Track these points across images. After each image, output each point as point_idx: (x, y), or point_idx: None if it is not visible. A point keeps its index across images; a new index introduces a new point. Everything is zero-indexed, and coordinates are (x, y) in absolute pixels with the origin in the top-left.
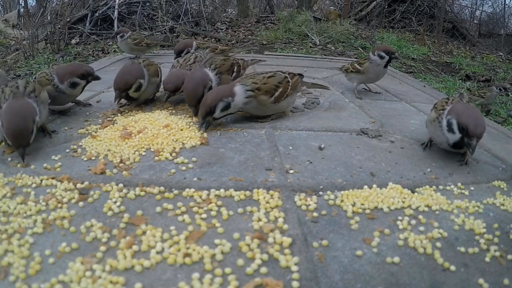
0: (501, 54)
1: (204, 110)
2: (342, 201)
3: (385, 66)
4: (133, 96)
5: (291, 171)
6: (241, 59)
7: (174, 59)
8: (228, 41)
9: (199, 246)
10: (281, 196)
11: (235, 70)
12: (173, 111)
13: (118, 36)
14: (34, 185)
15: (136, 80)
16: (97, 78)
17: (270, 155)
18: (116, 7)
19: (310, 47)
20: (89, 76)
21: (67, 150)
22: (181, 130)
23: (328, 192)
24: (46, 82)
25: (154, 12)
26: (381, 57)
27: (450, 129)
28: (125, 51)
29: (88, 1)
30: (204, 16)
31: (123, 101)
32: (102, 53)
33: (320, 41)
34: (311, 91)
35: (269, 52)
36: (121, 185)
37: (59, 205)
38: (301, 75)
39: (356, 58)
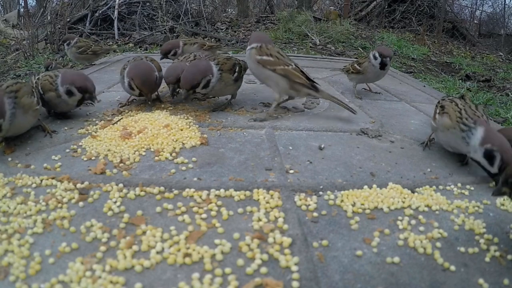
0: (501, 54)
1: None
2: (342, 201)
3: (381, 68)
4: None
5: (291, 171)
6: (243, 60)
7: (160, 60)
8: (228, 41)
9: (199, 246)
10: (281, 196)
11: (236, 70)
12: (173, 111)
13: (65, 44)
14: (34, 185)
15: (156, 73)
16: (91, 99)
17: (270, 155)
18: (116, 7)
19: (310, 47)
20: (86, 93)
21: (67, 150)
22: (181, 130)
23: (328, 192)
24: (49, 87)
25: (154, 12)
26: (375, 58)
27: (490, 162)
28: (72, 59)
29: (88, 1)
30: (204, 16)
31: (123, 101)
32: None
33: (320, 41)
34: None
35: None
36: (121, 185)
37: (59, 205)
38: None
39: (356, 58)
